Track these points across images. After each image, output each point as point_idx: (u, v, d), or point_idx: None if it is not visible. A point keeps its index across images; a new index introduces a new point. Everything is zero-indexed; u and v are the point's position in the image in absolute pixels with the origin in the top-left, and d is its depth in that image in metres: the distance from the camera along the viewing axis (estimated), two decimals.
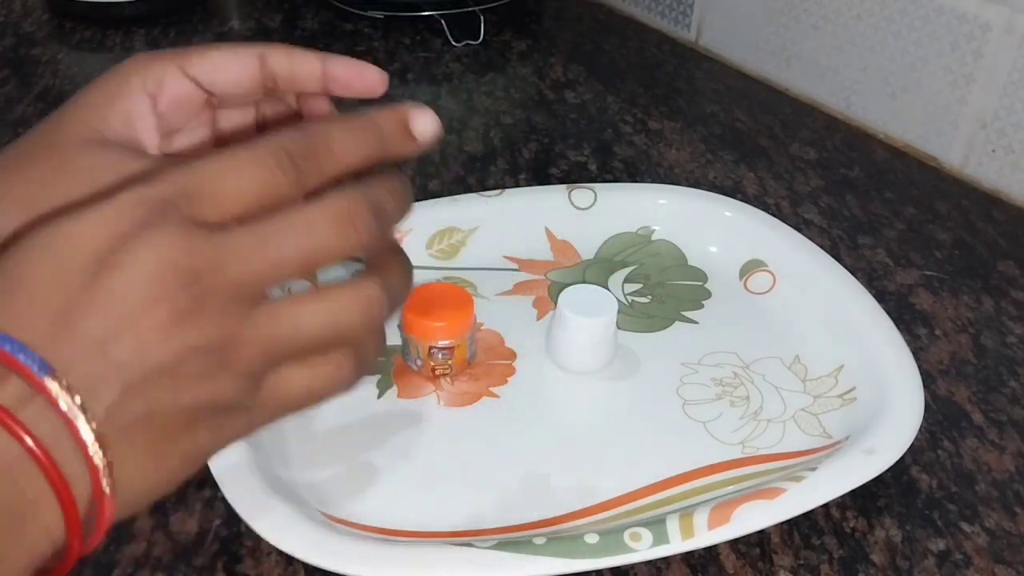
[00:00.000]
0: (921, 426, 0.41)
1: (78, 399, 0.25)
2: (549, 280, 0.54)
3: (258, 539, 0.37)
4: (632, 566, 0.39)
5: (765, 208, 0.58)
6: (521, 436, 0.44)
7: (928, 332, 0.52)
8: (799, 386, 0.47)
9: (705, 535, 0.36)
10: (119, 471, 0.26)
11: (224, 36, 0.86)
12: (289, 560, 0.38)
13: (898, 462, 0.40)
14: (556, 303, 0.48)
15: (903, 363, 0.45)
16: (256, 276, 0.27)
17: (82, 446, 0.25)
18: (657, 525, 0.37)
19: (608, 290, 0.50)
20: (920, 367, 0.45)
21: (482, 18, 0.86)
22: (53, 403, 0.24)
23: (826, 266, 0.51)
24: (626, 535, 0.36)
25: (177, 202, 0.27)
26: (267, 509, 0.36)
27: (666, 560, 0.39)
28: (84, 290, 0.25)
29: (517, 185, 0.64)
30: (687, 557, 0.39)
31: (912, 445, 0.41)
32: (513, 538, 0.38)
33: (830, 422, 0.45)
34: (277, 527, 0.36)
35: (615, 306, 0.47)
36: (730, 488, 0.41)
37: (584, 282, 0.53)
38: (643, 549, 0.36)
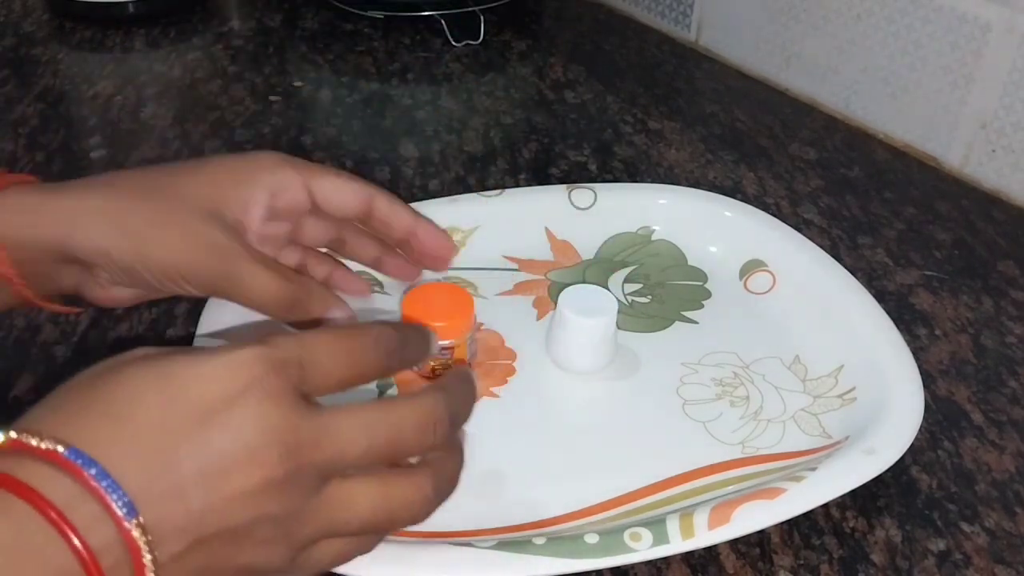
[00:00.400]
0: (921, 426, 0.41)
1: (150, 539, 0.25)
2: (549, 280, 0.54)
3: None
4: (632, 566, 0.39)
5: (765, 208, 0.58)
6: (521, 436, 0.44)
7: (928, 332, 0.52)
8: (799, 386, 0.47)
9: (705, 535, 0.36)
10: None
11: (224, 36, 0.86)
12: None
13: (898, 462, 0.40)
14: (556, 303, 0.48)
15: (903, 363, 0.45)
16: (342, 458, 0.29)
17: None
18: (657, 525, 0.37)
19: (608, 290, 0.50)
20: (920, 367, 0.45)
21: (482, 18, 0.86)
22: (132, 547, 0.25)
23: (826, 266, 0.51)
24: (626, 535, 0.36)
25: (290, 370, 0.28)
26: None
27: (666, 560, 0.39)
28: (186, 438, 0.26)
29: (517, 185, 0.64)
30: (687, 557, 0.39)
31: (912, 445, 0.41)
32: (513, 538, 0.38)
33: (830, 422, 0.45)
34: None
35: (615, 306, 0.47)
36: (730, 488, 0.41)
37: (584, 282, 0.53)
38: (643, 549, 0.36)
